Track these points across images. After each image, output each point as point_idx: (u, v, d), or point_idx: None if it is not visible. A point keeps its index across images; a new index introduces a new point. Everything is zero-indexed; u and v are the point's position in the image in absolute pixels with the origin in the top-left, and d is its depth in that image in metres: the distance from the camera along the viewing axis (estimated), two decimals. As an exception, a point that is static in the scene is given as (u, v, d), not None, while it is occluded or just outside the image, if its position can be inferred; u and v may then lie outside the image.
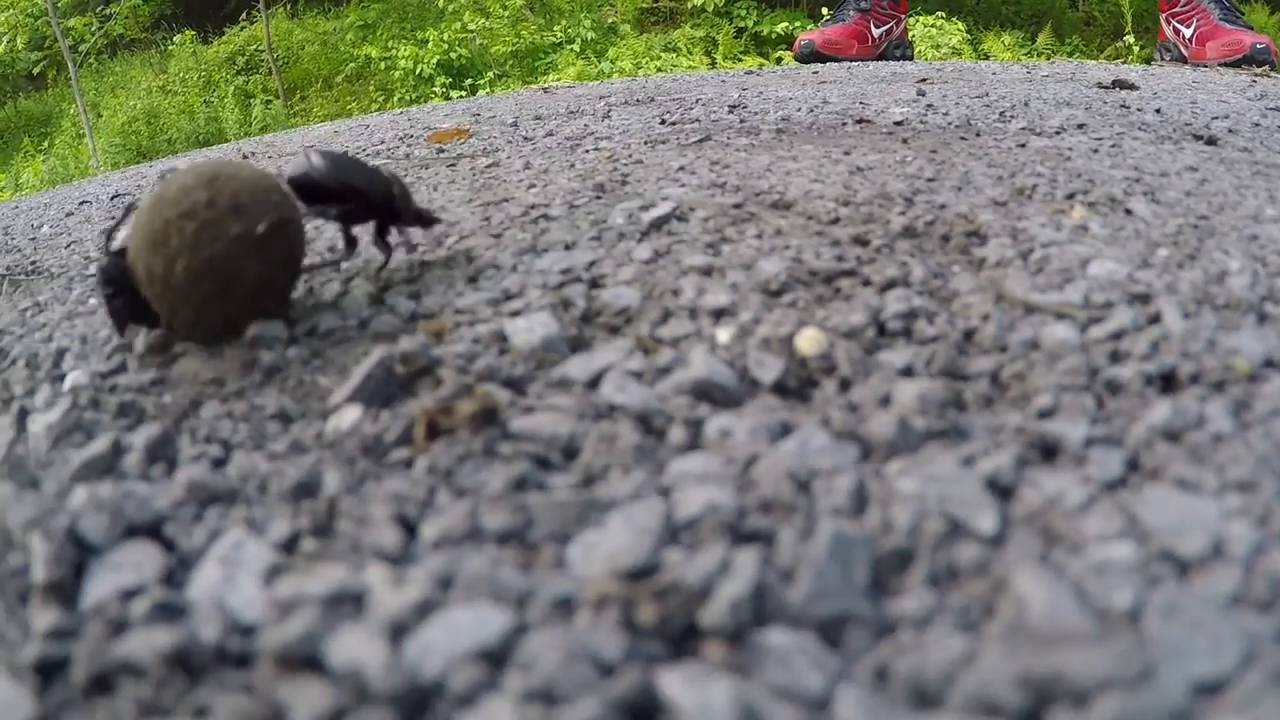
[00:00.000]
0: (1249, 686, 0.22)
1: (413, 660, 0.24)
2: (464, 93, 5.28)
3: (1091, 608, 0.25)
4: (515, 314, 0.48)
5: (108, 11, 6.94)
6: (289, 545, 0.34)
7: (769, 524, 0.29)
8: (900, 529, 0.29)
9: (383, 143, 1.74)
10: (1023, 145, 1.02)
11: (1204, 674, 0.23)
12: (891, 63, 2.73)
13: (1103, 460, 0.35)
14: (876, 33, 3.36)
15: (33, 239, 2.03)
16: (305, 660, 0.26)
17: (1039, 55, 5.09)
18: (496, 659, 0.24)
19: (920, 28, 4.92)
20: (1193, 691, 0.22)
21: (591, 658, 0.23)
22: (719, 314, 0.46)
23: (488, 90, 5.14)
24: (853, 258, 0.56)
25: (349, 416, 0.42)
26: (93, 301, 0.87)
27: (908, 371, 0.42)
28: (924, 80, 1.77)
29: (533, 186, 0.86)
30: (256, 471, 0.41)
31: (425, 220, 0.63)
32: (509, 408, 0.37)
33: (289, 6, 7.07)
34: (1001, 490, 0.32)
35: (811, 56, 3.13)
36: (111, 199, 2.65)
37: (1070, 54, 5.12)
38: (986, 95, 1.51)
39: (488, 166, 1.05)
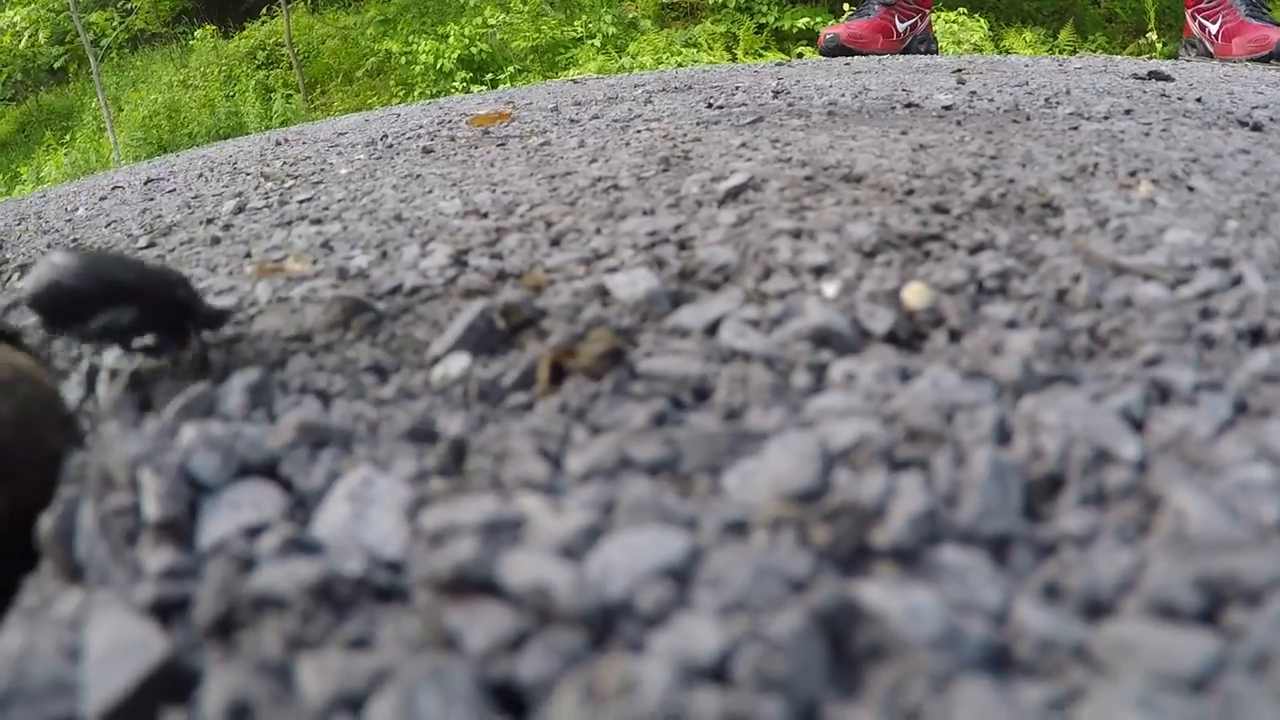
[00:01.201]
0: None
1: (595, 580, 0.24)
2: (484, 87, 5.29)
3: (1244, 520, 0.26)
4: (612, 270, 0.49)
5: (129, 6, 6.98)
6: (419, 482, 0.34)
7: (921, 453, 0.29)
8: (1050, 455, 0.29)
9: (420, 127, 1.75)
10: (1075, 129, 1.02)
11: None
12: (922, 56, 2.73)
13: (1211, 404, 0.36)
14: (901, 27, 3.35)
15: (69, 220, 2.04)
16: (475, 585, 0.26)
17: (1060, 51, 5.06)
18: (680, 578, 0.24)
19: (942, 24, 4.91)
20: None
21: (781, 574, 0.23)
22: (819, 271, 0.47)
23: (508, 84, 5.15)
24: (936, 224, 0.57)
25: (457, 364, 0.43)
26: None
27: (1012, 324, 0.43)
28: (960, 71, 1.77)
29: (594, 161, 0.86)
30: (364, 417, 0.41)
31: (216, 319, 0.50)
32: (633, 350, 0.38)
33: (309, 1, 7.10)
34: (1134, 423, 0.32)
35: (836, 50, 3.13)
36: (145, 184, 2.67)
37: (1094, 51, 5.10)
38: (1027, 84, 1.51)
39: (540, 145, 1.05)
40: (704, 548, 0.25)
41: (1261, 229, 0.63)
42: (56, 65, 7.43)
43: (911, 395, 0.33)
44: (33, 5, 6.96)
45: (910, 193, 0.65)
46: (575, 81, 2.49)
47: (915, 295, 0.43)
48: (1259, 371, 0.39)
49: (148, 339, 0.47)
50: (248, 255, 0.83)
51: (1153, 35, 5.04)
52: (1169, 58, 4.15)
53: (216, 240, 1.00)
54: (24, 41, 7.09)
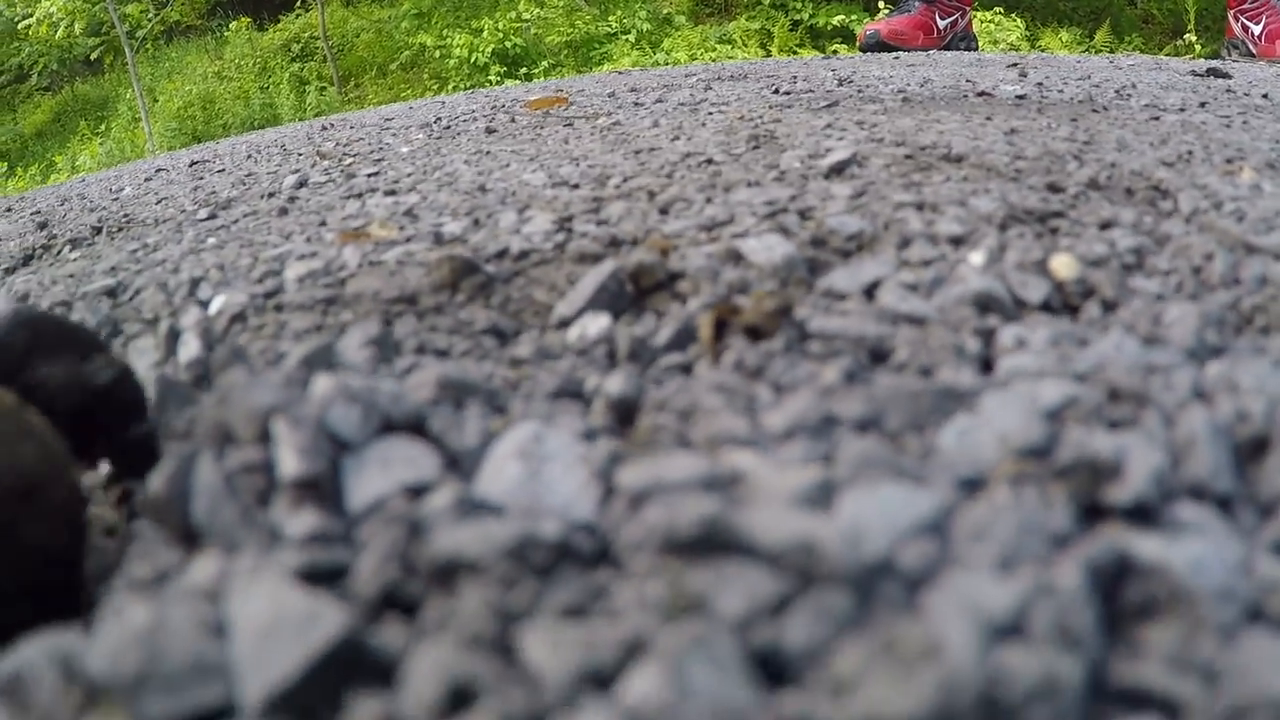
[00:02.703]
0: None
1: (849, 538, 0.23)
2: (518, 81, 5.29)
3: None
4: (740, 235, 0.48)
5: (164, -2, 7.03)
6: (590, 440, 0.33)
7: (1129, 413, 0.29)
8: (1256, 417, 0.28)
9: (472, 112, 1.74)
10: (1155, 119, 1.00)
11: None
12: (968, 52, 2.71)
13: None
14: (942, 24, 3.32)
15: (115, 198, 2.06)
16: (717, 545, 0.24)
17: (1096, 52, 5.01)
18: (939, 534, 0.23)
19: (978, 22, 4.87)
20: None
21: (1044, 529, 0.23)
22: (957, 241, 0.46)
23: (542, 78, 5.14)
24: (1056, 201, 0.56)
25: (595, 325, 0.42)
26: (212, 241, 0.88)
27: (1161, 297, 0.42)
28: (1017, 65, 1.75)
29: (676, 139, 0.86)
30: (499, 376, 0.41)
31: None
32: (801, 307, 0.37)
33: (343, -6, 7.13)
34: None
35: (876, 47, 3.11)
36: (190, 166, 2.68)
37: (1130, 51, 5.04)
38: (1090, 78, 1.49)
39: (611, 125, 1.05)
40: (951, 504, 0.24)
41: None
42: (92, 56, 7.48)
43: (1101, 358, 0.32)
44: (69, -4, 7.02)
45: (1018, 173, 0.64)
46: (621, 72, 2.49)
47: (1063, 266, 0.42)
48: None
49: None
50: (322, 224, 0.83)
51: (1191, 36, 4.99)
52: (1210, 58, 4.10)
53: (284, 211, 1.00)
54: (60, 32, 7.15)
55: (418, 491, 0.30)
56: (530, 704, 0.19)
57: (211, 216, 1.14)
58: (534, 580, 0.24)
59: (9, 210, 2.60)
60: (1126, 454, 0.25)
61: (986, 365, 0.34)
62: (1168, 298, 0.42)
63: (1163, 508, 0.24)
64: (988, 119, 0.90)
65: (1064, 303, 0.41)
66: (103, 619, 0.25)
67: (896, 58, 2.22)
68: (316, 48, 6.52)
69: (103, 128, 7.26)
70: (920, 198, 0.54)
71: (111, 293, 0.74)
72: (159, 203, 1.62)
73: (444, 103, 2.59)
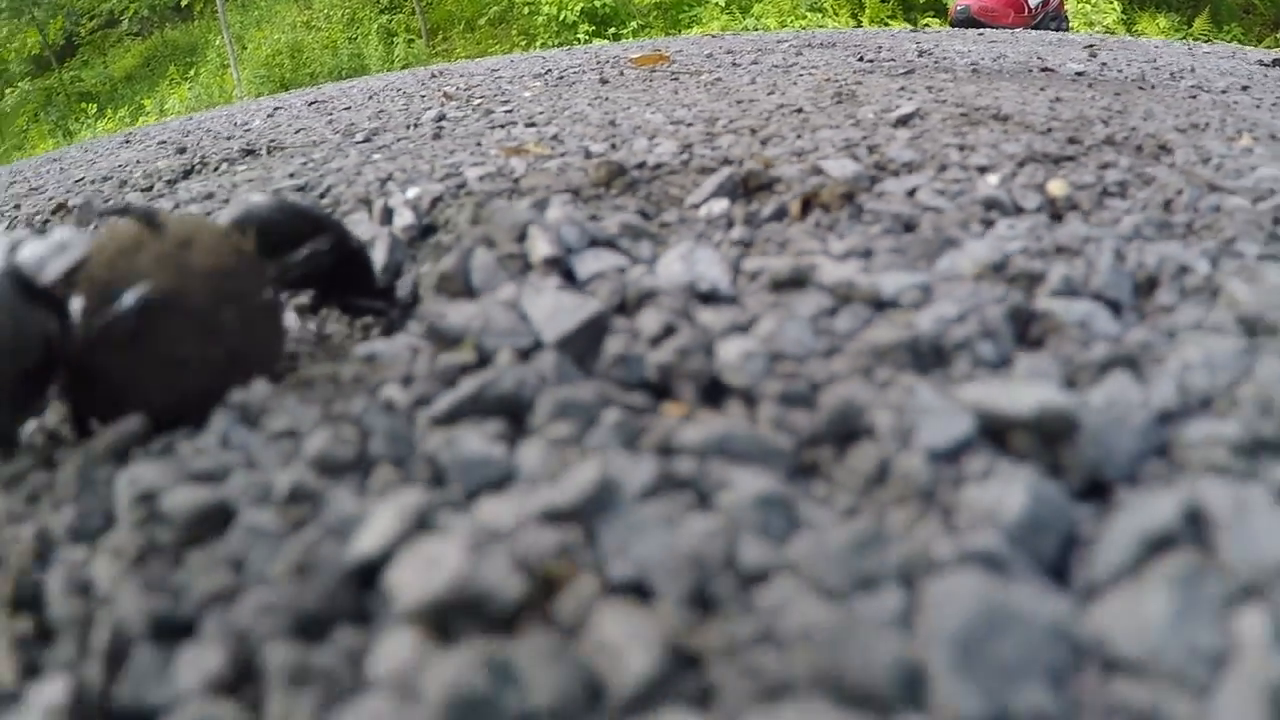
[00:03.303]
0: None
1: (872, 285, 0.42)
2: (606, 40, 5.44)
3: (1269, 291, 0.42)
4: (822, 159, 0.66)
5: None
6: (722, 252, 0.51)
7: (1065, 256, 0.46)
8: (1150, 266, 0.45)
9: (578, 66, 1.92)
10: (1193, 97, 1.14)
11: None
12: (1052, 32, 2.78)
13: (1268, 266, 0.51)
14: (1033, 3, 3.38)
15: (247, 130, 2.28)
16: (796, 283, 0.43)
17: (1194, 39, 4.96)
18: (927, 291, 0.41)
19: (1074, 3, 4.86)
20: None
21: (985, 294, 0.40)
22: (983, 169, 0.63)
23: (630, 38, 5.28)
24: (1071, 150, 0.72)
25: (718, 206, 0.60)
26: (378, 156, 1.08)
27: (1128, 212, 0.58)
28: (1091, 46, 1.87)
29: (772, 94, 1.03)
30: (650, 227, 0.59)
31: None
32: (860, 196, 0.55)
33: (440, -54, 7.30)
34: (1211, 259, 0.48)
35: (966, 22, 3.18)
36: (309, 105, 2.89)
37: (1228, 41, 4.98)
38: (1154, 61, 1.61)
39: (714, 81, 1.22)
40: (935, 282, 0.42)
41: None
42: (183, 3, 7.79)
43: (1058, 233, 0.49)
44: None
45: (1050, 129, 0.80)
46: (713, 36, 2.64)
47: (1056, 187, 0.59)
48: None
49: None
50: (478, 145, 1.02)
51: (1293, 29, 4.90)
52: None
53: (437, 136, 1.20)
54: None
55: (620, 270, 0.49)
56: (699, 337, 0.38)
57: (367, 140, 1.34)
58: (697, 302, 0.43)
59: (127, 142, 2.85)
60: (1050, 270, 0.42)
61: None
62: (1133, 213, 0.59)
63: (1072, 301, 0.42)
64: (1041, 89, 1.05)
65: (1053, 212, 0.58)
66: (445, 312, 0.44)
67: (981, 33, 2.34)
68: (405, 0, 6.73)
69: (191, 73, 7.55)
70: (963, 141, 0.71)
71: (301, 189, 0.94)
72: (298, 132, 1.83)
73: (544, 57, 2.76)
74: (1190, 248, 0.49)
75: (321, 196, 0.90)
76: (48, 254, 0.36)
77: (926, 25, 4.78)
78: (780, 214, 0.56)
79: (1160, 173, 0.70)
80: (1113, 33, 4.87)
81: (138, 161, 1.90)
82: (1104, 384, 0.33)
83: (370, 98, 2.43)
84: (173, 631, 0.25)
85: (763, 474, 0.28)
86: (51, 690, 0.23)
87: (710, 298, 0.43)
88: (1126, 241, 0.50)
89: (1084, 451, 0.29)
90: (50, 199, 1.48)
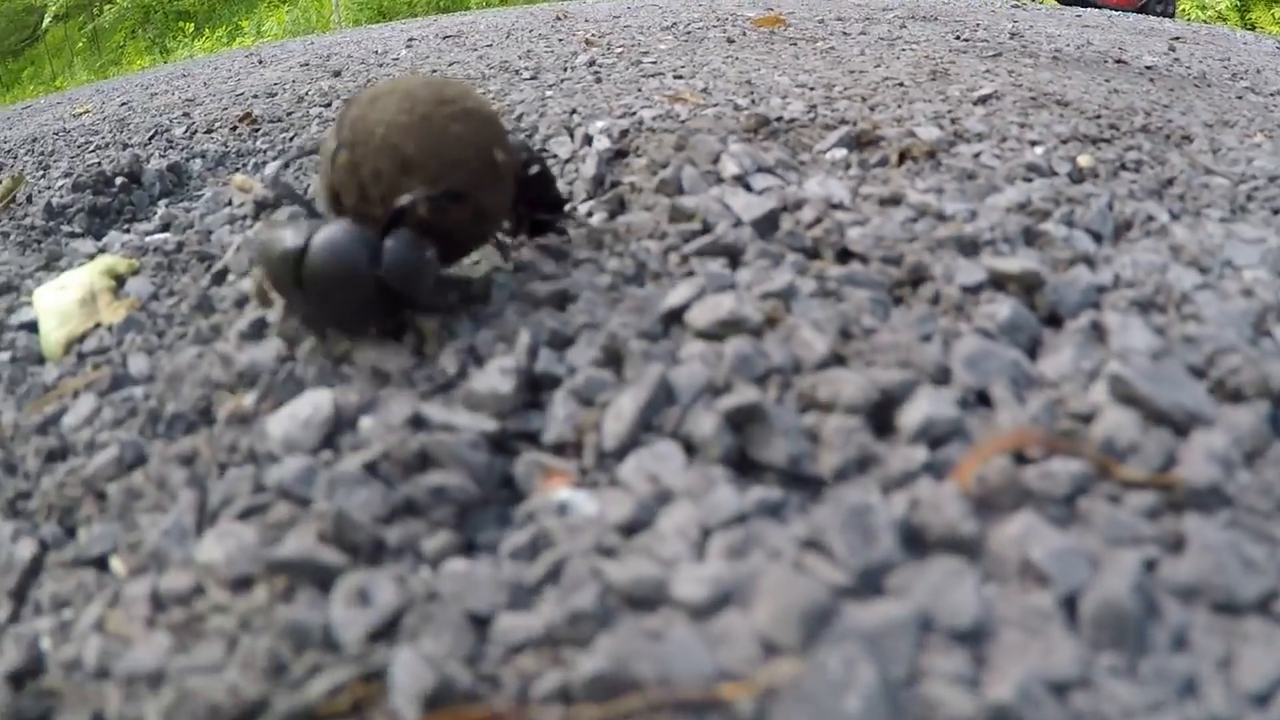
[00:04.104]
0: None
1: (935, 200, 0.67)
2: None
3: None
4: (916, 125, 0.90)
5: None
6: (848, 180, 0.77)
7: (1072, 193, 0.70)
8: (1129, 214, 0.69)
9: (698, 20, 2.15)
10: (1240, 97, 1.34)
11: None
12: (1150, 17, 2.90)
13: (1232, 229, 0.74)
14: (1138, -14, 3.46)
15: (394, 60, 2.54)
16: (892, 202, 0.69)
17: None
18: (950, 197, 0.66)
19: (1184, -13, 4.86)
20: None
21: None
22: (1033, 143, 0.87)
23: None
24: (1109, 133, 0.95)
25: (839, 153, 0.85)
26: (552, 93, 1.34)
27: (1134, 182, 0.82)
28: (1177, 39, 2.03)
29: (878, 66, 1.26)
30: (793, 162, 0.84)
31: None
32: (940, 154, 0.80)
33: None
34: (1173, 215, 0.72)
35: (1073, 1, 3.30)
36: (442, 39, 3.15)
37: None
38: (1227, 59, 1.78)
39: (828, 49, 1.45)
40: (979, 210, 0.67)
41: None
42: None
43: (1071, 189, 0.73)
44: None
45: (1099, 116, 1.03)
46: (822, -2, 2.83)
47: (1085, 159, 0.83)
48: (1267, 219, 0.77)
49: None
50: (639, 91, 1.28)
51: None
52: None
53: (599, 80, 1.45)
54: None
55: (781, 187, 0.75)
56: (835, 224, 0.64)
57: (534, 77, 1.59)
58: (832, 210, 0.69)
59: (261, 62, 3.12)
60: (1056, 210, 0.67)
61: (1024, 191, 0.76)
62: (1137, 183, 0.82)
63: (1066, 229, 0.66)
64: (1106, 80, 1.26)
65: (1079, 177, 0.82)
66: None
67: (1078, 15, 2.49)
68: (523, -67, 6.89)
69: (289, -4, 7.73)
70: (1025, 120, 0.94)
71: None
72: (451, 65, 2.08)
73: (659, 6, 2.97)
74: (1162, 206, 0.73)
75: (518, 120, 1.17)
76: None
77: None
78: (883, 161, 0.81)
79: (1173, 157, 0.92)
80: (1226, 20, 4.86)
81: (293, 82, 2.12)
82: (1070, 270, 0.58)
83: (507, 35, 2.67)
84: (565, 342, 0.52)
85: (872, 291, 0.54)
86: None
87: (839, 206, 0.68)
88: (1121, 200, 0.74)
89: (1047, 296, 0.54)
90: (224, 109, 1.70)
